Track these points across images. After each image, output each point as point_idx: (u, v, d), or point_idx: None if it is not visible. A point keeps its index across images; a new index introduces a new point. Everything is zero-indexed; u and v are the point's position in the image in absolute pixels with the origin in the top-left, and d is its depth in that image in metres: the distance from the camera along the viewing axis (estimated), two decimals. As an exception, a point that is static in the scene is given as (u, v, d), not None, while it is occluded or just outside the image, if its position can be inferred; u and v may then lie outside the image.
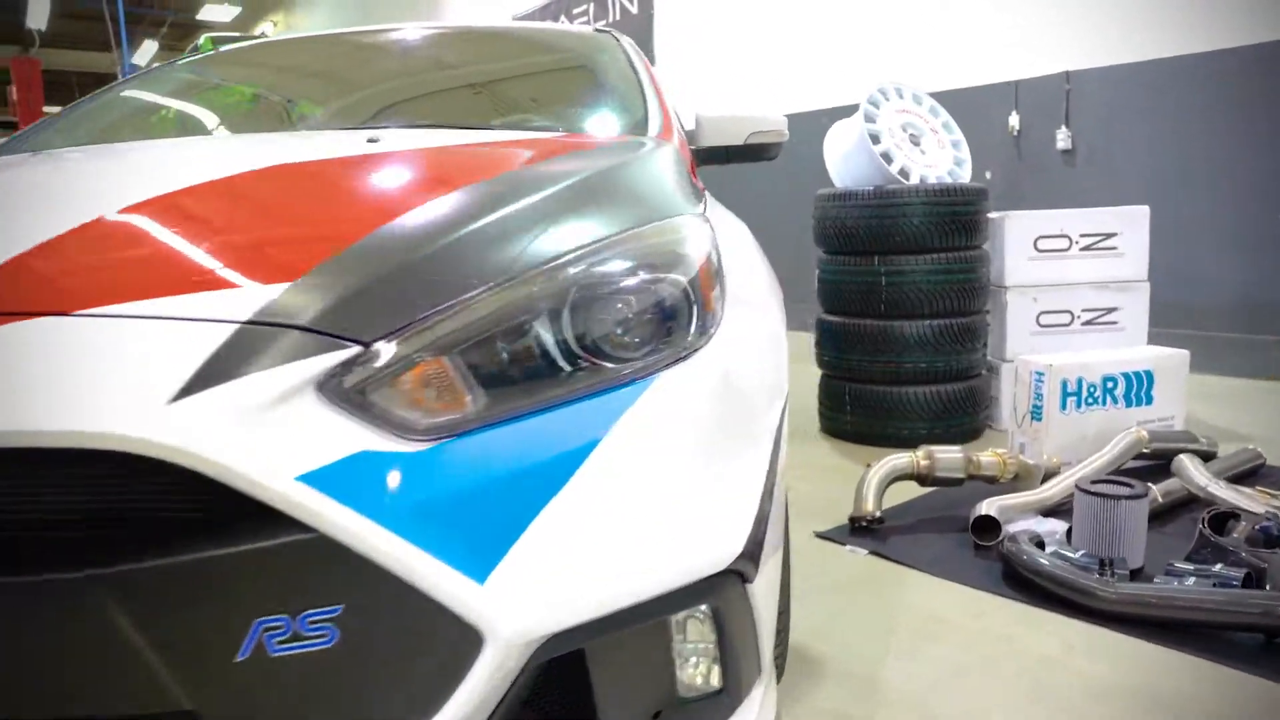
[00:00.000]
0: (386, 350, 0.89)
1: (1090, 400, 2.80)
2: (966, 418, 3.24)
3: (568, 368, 0.97)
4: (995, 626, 1.82)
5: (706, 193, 1.58)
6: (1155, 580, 1.82)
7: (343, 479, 0.82)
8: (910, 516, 2.43)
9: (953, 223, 3.19)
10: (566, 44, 2.48)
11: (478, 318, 0.94)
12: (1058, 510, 2.31)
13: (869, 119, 3.26)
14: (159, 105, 2.33)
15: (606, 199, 1.26)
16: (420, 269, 0.98)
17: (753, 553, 1.03)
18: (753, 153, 2.19)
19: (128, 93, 2.34)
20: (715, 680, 1.04)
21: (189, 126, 2.14)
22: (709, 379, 1.05)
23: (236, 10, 17.50)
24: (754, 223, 1.69)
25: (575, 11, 8.44)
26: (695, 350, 1.05)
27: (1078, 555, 1.92)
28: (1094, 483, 2.05)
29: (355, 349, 0.87)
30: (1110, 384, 2.82)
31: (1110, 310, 3.39)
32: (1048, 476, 2.50)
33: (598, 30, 2.48)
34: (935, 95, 3.59)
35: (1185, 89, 4.38)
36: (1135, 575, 1.94)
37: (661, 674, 0.99)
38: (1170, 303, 4.11)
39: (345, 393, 0.86)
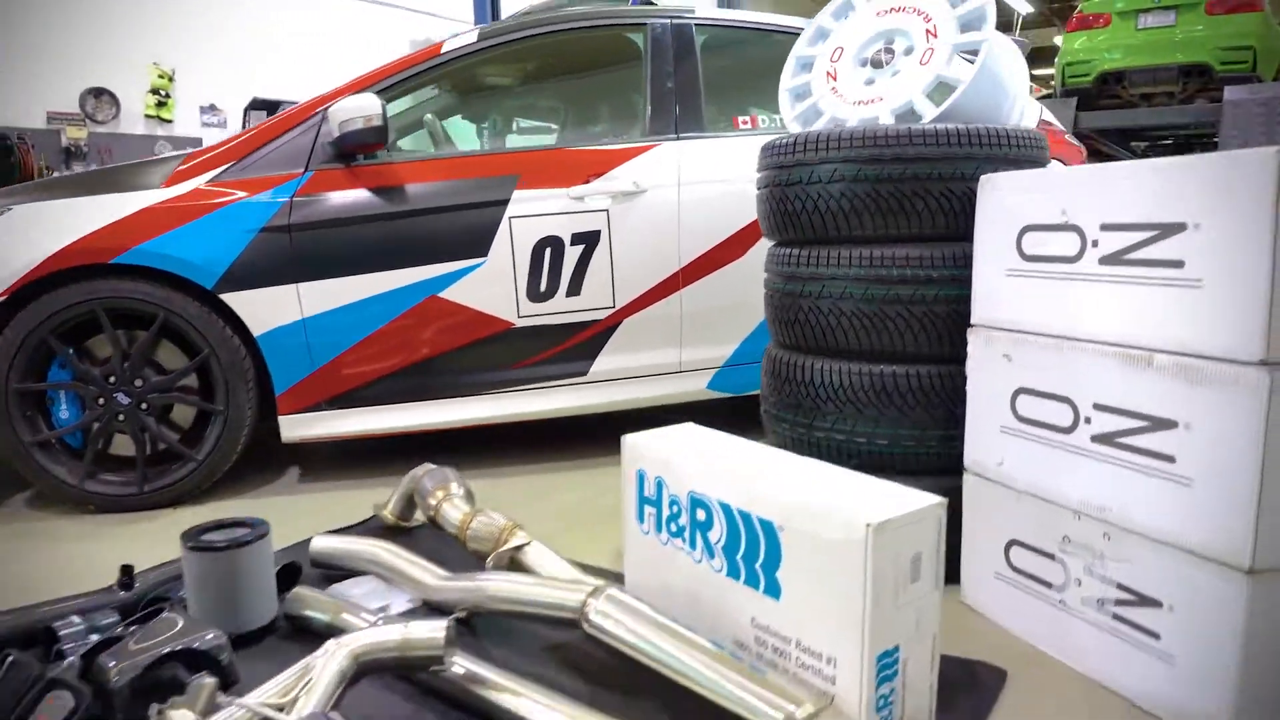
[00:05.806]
0: None
1: (674, 529, 1.50)
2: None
3: None
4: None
5: None
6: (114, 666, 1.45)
7: None
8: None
9: (878, 197, 1.83)
10: None
11: None
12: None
13: (820, 38, 2.04)
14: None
15: None
16: None
17: None
18: (358, 139, 2.32)
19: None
20: None
21: None
22: None
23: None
24: None
25: None
26: None
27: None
28: (202, 532, 1.61)
29: None
30: (700, 514, 1.43)
31: (1158, 424, 1.30)
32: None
33: None
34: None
35: None
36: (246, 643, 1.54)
37: None
38: None
39: None
